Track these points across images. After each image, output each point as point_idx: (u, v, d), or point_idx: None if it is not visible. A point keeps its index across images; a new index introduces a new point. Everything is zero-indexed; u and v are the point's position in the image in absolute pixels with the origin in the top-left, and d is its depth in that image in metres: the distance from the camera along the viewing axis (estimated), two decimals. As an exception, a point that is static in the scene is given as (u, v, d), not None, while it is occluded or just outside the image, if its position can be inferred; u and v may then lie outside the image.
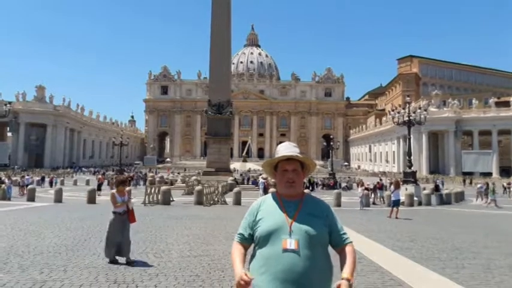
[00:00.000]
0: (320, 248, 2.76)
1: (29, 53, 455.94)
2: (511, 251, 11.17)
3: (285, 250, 2.66)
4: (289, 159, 2.94)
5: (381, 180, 46.25)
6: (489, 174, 73.95)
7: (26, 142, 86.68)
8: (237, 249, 2.92)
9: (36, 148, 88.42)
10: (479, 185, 39.94)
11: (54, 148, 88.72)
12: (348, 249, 2.86)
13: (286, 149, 3.00)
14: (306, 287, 2.61)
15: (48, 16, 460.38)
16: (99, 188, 33.20)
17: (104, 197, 31.38)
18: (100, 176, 45.54)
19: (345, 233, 2.92)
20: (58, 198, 25.06)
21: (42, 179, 47.82)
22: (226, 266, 8.43)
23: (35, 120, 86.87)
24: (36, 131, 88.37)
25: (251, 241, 2.92)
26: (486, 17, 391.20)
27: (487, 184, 40.70)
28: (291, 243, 2.67)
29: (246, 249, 2.96)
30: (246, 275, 2.62)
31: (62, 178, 53.87)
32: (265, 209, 2.90)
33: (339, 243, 2.89)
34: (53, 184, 44.88)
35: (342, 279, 2.67)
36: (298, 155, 2.95)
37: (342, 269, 2.81)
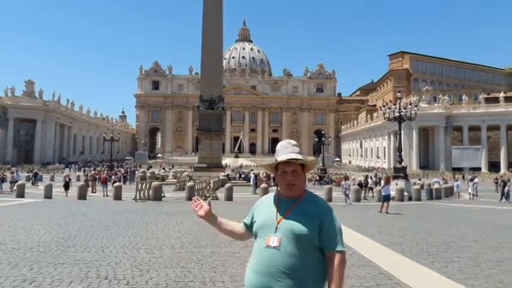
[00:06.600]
0: (310, 249, 2.69)
1: (18, 47, 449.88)
2: (499, 245, 11.33)
3: (267, 246, 2.70)
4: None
5: (376, 175, 46.76)
6: (478, 169, 74.98)
7: (15, 137, 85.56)
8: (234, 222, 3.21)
9: (26, 144, 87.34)
10: (435, 179, 41.39)
11: (44, 144, 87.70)
12: (336, 260, 2.66)
13: (285, 149, 2.91)
14: (287, 283, 2.58)
15: (38, 10, 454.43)
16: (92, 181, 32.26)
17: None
18: (93, 172, 44.26)
19: (338, 239, 2.72)
20: (48, 194, 24.85)
21: (35, 175, 46.71)
22: (218, 262, 8.45)
23: (25, 116, 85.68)
24: (26, 127, 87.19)
25: (251, 230, 3.00)
26: (477, 13, 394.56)
27: (444, 179, 42.85)
28: (273, 240, 2.69)
29: (241, 230, 3.11)
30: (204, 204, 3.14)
31: (52, 174, 53.20)
32: (263, 206, 2.96)
33: (327, 248, 2.70)
34: (34, 180, 40.59)
35: None
36: (298, 156, 2.86)
37: (328, 283, 2.69)
